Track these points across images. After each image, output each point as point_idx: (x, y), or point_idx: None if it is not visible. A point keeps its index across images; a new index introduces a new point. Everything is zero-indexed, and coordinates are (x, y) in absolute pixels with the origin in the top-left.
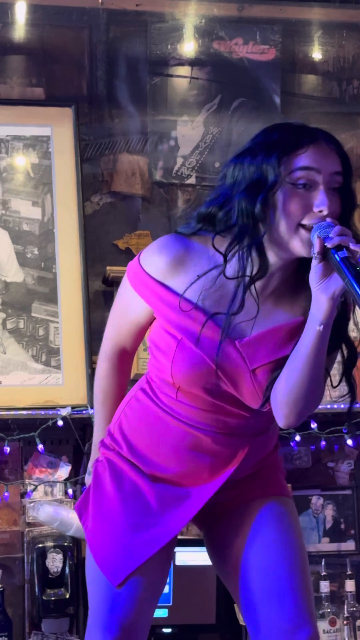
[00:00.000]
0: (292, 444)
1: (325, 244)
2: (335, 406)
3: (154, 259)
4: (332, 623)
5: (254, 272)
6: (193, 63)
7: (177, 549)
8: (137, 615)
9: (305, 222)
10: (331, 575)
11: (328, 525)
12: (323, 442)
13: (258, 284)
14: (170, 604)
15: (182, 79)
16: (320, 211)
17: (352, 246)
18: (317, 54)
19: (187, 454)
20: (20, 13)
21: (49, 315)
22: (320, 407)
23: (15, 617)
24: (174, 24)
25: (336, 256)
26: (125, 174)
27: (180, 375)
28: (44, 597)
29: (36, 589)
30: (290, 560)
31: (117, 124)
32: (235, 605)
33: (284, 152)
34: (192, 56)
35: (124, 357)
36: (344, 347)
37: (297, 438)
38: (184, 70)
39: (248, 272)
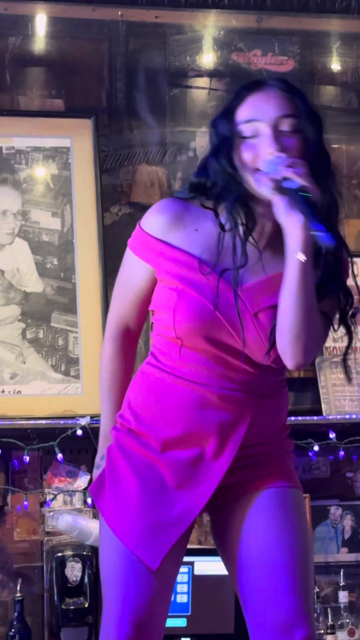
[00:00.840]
0: (310, 454)
1: (275, 179)
2: (354, 416)
3: (153, 219)
4: (351, 633)
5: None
6: (212, 74)
7: (195, 559)
8: (151, 611)
9: (259, 166)
10: (350, 586)
11: (347, 536)
12: (342, 452)
13: (253, 233)
14: (188, 614)
15: (201, 91)
16: (271, 153)
17: (295, 175)
18: (335, 65)
19: (193, 412)
20: (40, 25)
21: (69, 325)
22: (338, 416)
23: (34, 626)
24: (193, 36)
25: (288, 188)
26: (144, 184)
27: (183, 324)
28: (63, 606)
29: (55, 598)
30: (291, 558)
31: (136, 135)
32: None
33: (230, 110)
34: (211, 67)
35: (129, 337)
36: (341, 294)
37: (316, 448)
38: (203, 82)
39: (239, 224)
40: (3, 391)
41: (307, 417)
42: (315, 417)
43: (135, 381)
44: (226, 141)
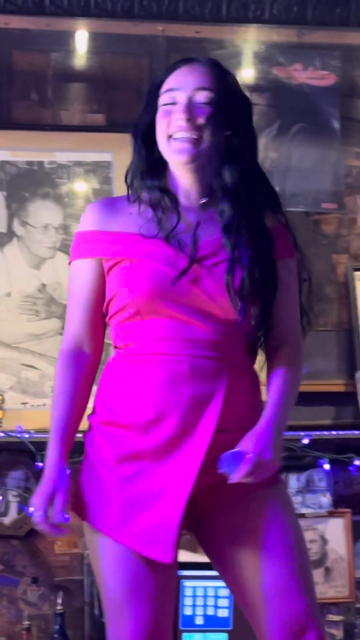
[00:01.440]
0: (351, 468)
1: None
2: None
3: (85, 219)
4: None
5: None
6: (252, 89)
7: None
8: (163, 621)
9: (170, 132)
10: None
11: None
12: None
13: (183, 201)
14: (230, 628)
15: None
16: (178, 119)
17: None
18: None
19: (167, 390)
20: (82, 41)
21: (109, 339)
22: None
23: (75, 639)
24: (234, 51)
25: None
26: None
27: (139, 291)
28: (103, 620)
29: (96, 612)
30: (295, 560)
31: None
32: None
33: (157, 84)
34: (251, 82)
35: (83, 361)
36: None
37: (357, 462)
38: None
39: (159, 195)
40: (44, 404)
41: (348, 432)
42: (356, 432)
43: (102, 378)
44: (146, 110)
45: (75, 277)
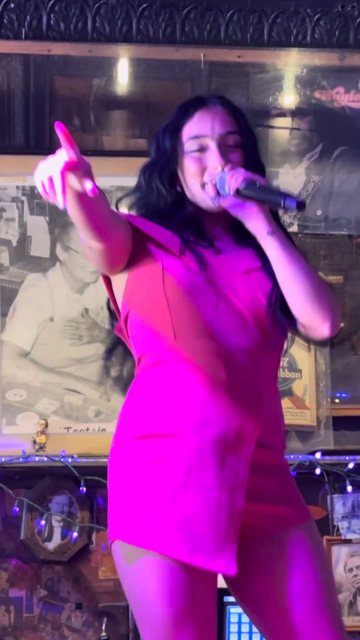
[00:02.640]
0: None
1: (227, 190)
2: None
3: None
4: None
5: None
6: (294, 113)
7: None
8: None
9: (205, 180)
10: None
11: None
12: None
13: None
14: None
15: (283, 130)
16: (216, 167)
17: (239, 175)
18: None
19: (205, 394)
20: (124, 67)
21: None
22: None
23: None
24: (276, 74)
25: (241, 189)
26: None
27: (175, 289)
28: None
29: (141, 638)
30: (324, 596)
31: None
32: None
33: (176, 128)
34: (293, 106)
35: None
36: None
37: None
38: (285, 121)
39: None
40: (88, 429)
41: None
42: None
43: (134, 392)
44: (168, 155)
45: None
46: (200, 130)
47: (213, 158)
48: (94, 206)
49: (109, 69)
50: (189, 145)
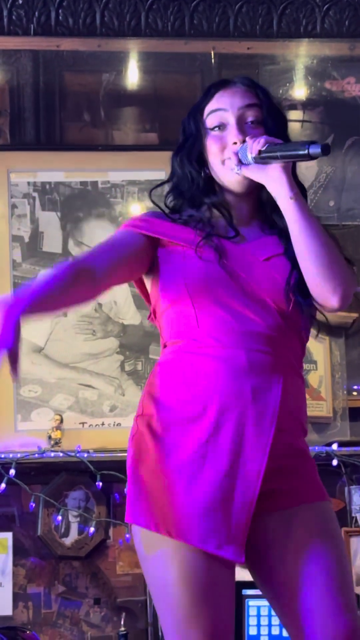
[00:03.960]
0: None
1: (250, 158)
2: None
3: (145, 214)
4: None
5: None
6: (305, 104)
7: None
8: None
9: (226, 156)
10: None
11: None
12: None
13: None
14: None
15: (294, 122)
16: (235, 143)
17: (259, 140)
18: None
19: (227, 384)
20: (133, 61)
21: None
22: None
23: None
24: (286, 66)
25: (263, 151)
26: None
27: (194, 280)
28: None
29: (160, 632)
30: (337, 578)
31: None
32: None
33: (198, 109)
34: (304, 96)
35: (85, 272)
36: None
37: None
38: (296, 115)
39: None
40: (103, 424)
41: None
42: None
43: (157, 376)
44: (193, 137)
45: (118, 233)
46: (220, 104)
47: (232, 134)
48: (54, 302)
49: (118, 64)
50: (209, 122)
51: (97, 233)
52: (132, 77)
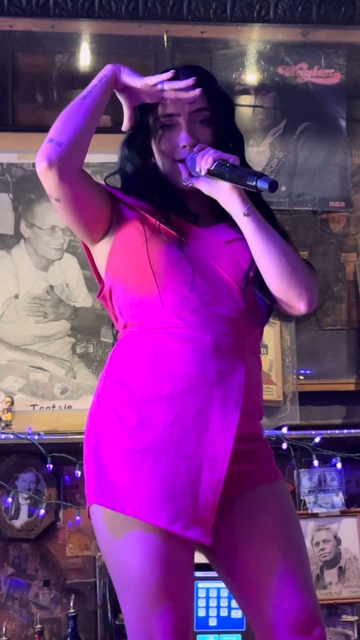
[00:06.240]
0: None
1: (198, 171)
2: None
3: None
4: None
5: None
6: (258, 88)
7: None
8: (191, 609)
9: (176, 157)
10: None
11: None
12: None
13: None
14: (244, 629)
15: (246, 108)
16: (184, 146)
17: (209, 157)
18: None
19: (192, 361)
20: (87, 43)
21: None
22: None
23: None
24: (239, 50)
25: (212, 170)
26: None
27: (159, 261)
28: (116, 622)
29: (109, 614)
30: (299, 558)
31: None
32: None
33: (148, 104)
34: (256, 81)
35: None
36: None
37: None
38: (249, 99)
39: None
40: (54, 406)
41: None
42: None
43: (117, 356)
44: (142, 129)
45: None
46: (170, 108)
47: (182, 137)
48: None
49: (72, 45)
50: (160, 121)
51: (49, 215)
52: (85, 59)
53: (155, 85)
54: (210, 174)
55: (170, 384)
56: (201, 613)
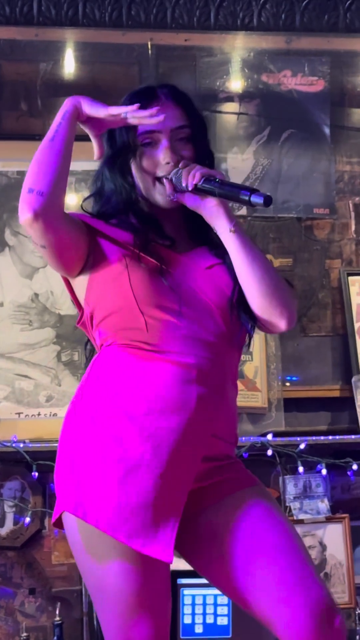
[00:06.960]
0: (349, 473)
1: (184, 186)
2: None
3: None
4: None
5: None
6: (242, 96)
7: None
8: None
9: (159, 174)
10: None
11: None
12: None
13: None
14: (229, 636)
15: (230, 116)
16: (167, 163)
17: (197, 173)
18: None
19: (173, 386)
20: (71, 51)
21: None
22: None
23: None
24: (223, 58)
25: (201, 186)
26: None
27: (140, 288)
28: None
29: (95, 622)
30: (302, 551)
31: None
32: None
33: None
34: (240, 89)
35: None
36: None
37: (355, 467)
38: (233, 106)
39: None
40: (39, 414)
41: (345, 437)
42: (352, 436)
43: (97, 371)
44: (121, 148)
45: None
46: (152, 126)
47: (165, 154)
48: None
49: (56, 53)
50: (141, 139)
51: None
52: (69, 67)
53: (119, 114)
54: (198, 189)
55: (150, 403)
56: (187, 620)
